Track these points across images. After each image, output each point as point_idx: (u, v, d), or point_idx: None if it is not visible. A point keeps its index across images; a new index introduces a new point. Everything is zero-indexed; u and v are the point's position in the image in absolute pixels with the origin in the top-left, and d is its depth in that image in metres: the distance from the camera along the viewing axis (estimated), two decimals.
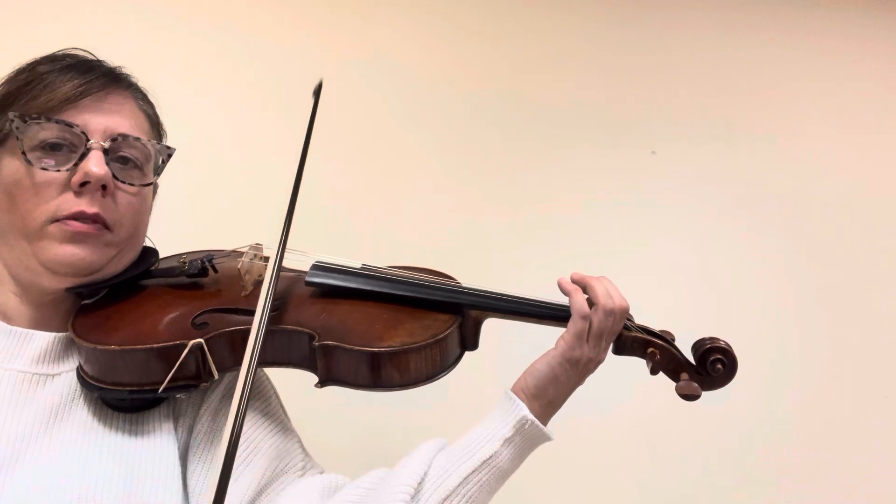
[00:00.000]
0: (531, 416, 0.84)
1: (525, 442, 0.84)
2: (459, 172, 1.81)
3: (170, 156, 0.91)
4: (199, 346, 0.81)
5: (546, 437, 0.86)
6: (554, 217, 1.81)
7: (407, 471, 0.82)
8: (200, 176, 1.50)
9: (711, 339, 0.91)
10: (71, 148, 0.82)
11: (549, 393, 0.86)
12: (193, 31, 1.70)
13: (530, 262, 1.70)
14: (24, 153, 0.80)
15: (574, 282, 0.89)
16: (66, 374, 0.84)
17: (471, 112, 1.85)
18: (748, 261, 1.85)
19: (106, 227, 0.83)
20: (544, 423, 0.86)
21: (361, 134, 1.74)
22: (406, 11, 1.87)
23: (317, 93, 0.96)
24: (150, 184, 0.89)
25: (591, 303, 0.86)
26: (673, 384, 0.91)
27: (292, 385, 0.96)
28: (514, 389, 0.87)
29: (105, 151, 0.82)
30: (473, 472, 0.81)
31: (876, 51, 2.05)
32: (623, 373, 1.55)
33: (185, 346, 0.80)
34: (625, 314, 0.86)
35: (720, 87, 1.98)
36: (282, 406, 0.96)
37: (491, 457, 0.82)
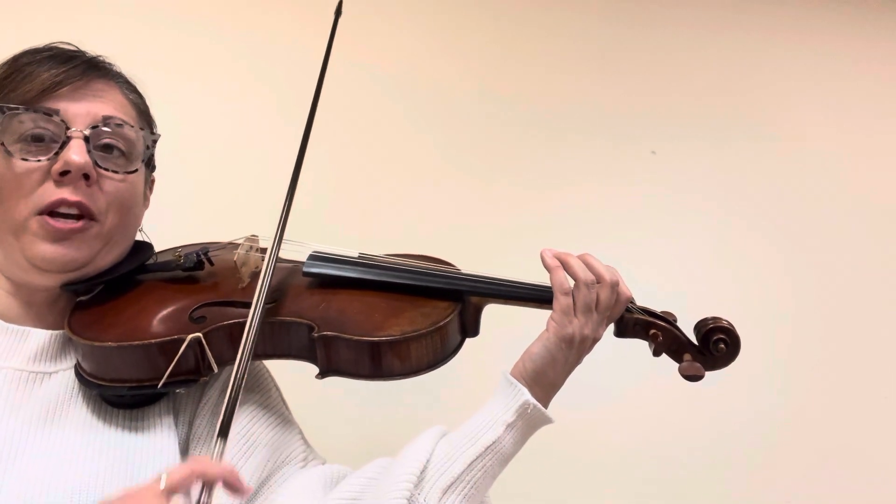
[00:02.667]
0: (533, 401, 0.83)
1: (527, 426, 0.84)
2: (459, 168, 1.81)
3: (155, 142, 0.90)
4: (198, 340, 0.81)
5: (547, 420, 0.85)
6: (553, 216, 1.81)
7: (410, 459, 0.81)
8: (195, 170, 1.51)
9: (714, 318, 0.91)
10: (52, 138, 0.80)
11: (548, 375, 0.85)
12: (189, 25, 1.71)
13: (528, 261, 1.70)
14: (2, 144, 0.79)
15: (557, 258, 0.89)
16: (64, 373, 0.83)
17: (471, 108, 1.85)
18: (748, 260, 1.85)
19: (91, 217, 0.82)
20: (545, 405, 0.85)
21: (357, 123, 1.74)
22: (406, 8, 1.89)
23: (337, 12, 0.96)
24: (135, 170, 0.86)
25: None
26: (675, 366, 0.90)
27: (293, 377, 0.95)
28: (512, 374, 0.86)
29: (86, 139, 0.81)
30: (477, 457, 0.81)
31: (876, 51, 2.06)
32: (622, 369, 1.56)
33: (183, 340, 0.80)
34: (608, 283, 0.85)
35: (720, 86, 1.99)
36: (282, 398, 0.95)
37: (494, 442, 0.81)
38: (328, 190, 1.64)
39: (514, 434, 0.83)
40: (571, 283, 0.86)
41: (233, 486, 0.64)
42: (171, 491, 0.61)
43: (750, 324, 1.73)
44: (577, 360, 0.87)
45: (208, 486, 0.63)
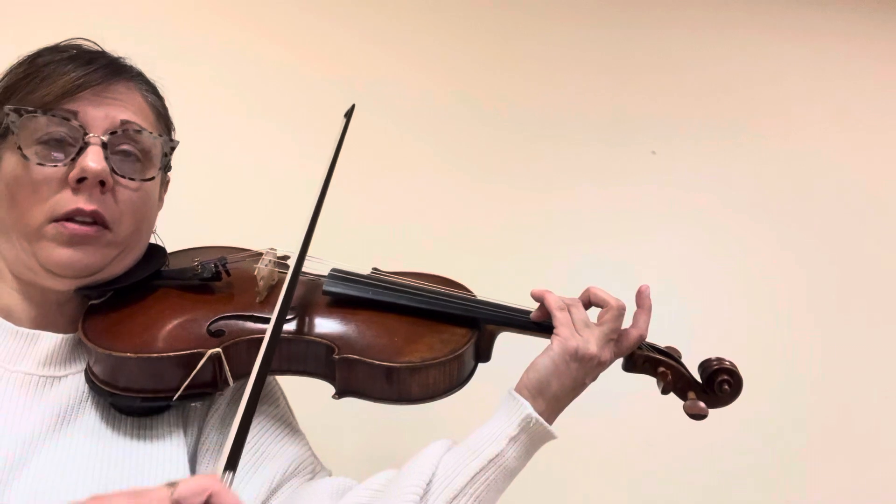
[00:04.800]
0: (535, 415, 0.84)
1: (530, 440, 0.85)
2: (459, 168, 1.80)
3: (173, 149, 0.88)
4: (218, 354, 0.80)
5: (551, 436, 0.86)
6: (553, 218, 1.81)
7: (416, 471, 0.82)
8: (215, 182, 1.49)
9: (718, 359, 0.93)
10: (70, 142, 0.79)
11: (552, 387, 0.86)
12: (217, 42, 1.70)
13: (530, 263, 1.69)
14: (20, 148, 0.78)
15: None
16: (73, 377, 0.82)
17: (474, 114, 1.84)
18: (749, 261, 1.85)
19: (105, 225, 0.80)
20: (549, 421, 0.86)
21: (373, 140, 1.72)
22: (413, 20, 1.86)
23: (348, 115, 0.94)
24: (152, 178, 0.86)
25: None
26: (680, 403, 0.92)
27: (296, 384, 0.95)
28: (517, 388, 0.88)
29: (104, 145, 0.79)
30: (481, 471, 0.82)
31: (876, 50, 2.05)
32: (622, 375, 1.57)
33: (202, 354, 0.79)
34: (613, 308, 0.89)
35: (720, 86, 1.98)
36: (290, 409, 0.96)
37: (497, 455, 0.82)
38: (346, 207, 1.61)
39: (518, 448, 0.84)
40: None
41: None
42: (179, 502, 0.56)
43: (751, 324, 1.77)
44: (583, 382, 0.88)
45: None
